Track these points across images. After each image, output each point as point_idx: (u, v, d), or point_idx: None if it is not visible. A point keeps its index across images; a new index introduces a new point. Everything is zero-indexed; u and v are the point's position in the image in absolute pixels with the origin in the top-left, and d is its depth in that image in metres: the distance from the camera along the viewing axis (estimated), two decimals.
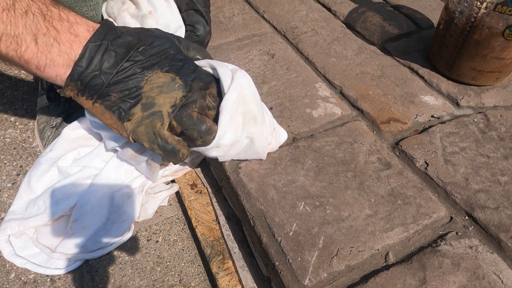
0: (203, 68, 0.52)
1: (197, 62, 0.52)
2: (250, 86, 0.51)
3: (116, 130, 0.47)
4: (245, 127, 0.51)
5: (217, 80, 0.52)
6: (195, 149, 0.52)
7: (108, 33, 0.44)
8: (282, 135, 0.58)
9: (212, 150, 0.51)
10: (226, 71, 0.51)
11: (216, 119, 0.50)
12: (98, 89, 0.44)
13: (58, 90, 0.46)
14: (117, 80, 0.44)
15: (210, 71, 0.52)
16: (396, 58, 0.76)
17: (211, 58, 0.55)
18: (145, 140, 0.46)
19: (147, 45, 0.46)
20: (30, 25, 0.40)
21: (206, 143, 0.49)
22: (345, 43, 0.79)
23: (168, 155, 0.47)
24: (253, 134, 0.52)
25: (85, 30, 0.44)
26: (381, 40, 0.80)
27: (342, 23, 0.86)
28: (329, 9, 0.90)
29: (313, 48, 0.78)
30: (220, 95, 0.51)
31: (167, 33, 0.51)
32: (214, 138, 0.49)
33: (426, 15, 0.87)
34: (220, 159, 0.54)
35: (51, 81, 0.45)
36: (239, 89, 0.50)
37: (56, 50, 0.42)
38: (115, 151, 0.61)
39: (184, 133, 0.48)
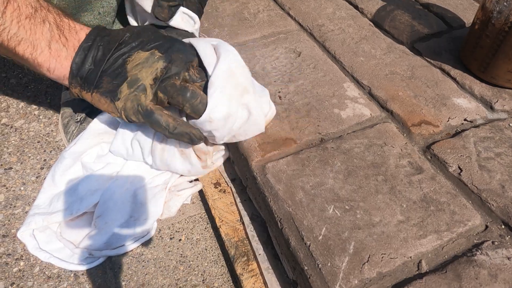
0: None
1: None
2: (236, 59, 0.52)
3: (112, 113, 0.50)
4: (238, 98, 0.51)
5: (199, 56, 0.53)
6: (192, 123, 0.52)
7: (98, 34, 0.49)
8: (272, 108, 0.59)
9: (205, 124, 0.50)
10: (206, 46, 0.52)
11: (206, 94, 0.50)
12: (93, 81, 0.49)
13: (68, 93, 0.52)
14: (106, 68, 0.49)
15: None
16: (427, 58, 0.74)
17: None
18: (132, 114, 0.49)
19: (131, 34, 0.50)
20: (46, 33, 0.47)
21: (195, 111, 0.49)
22: (373, 42, 0.77)
23: (153, 124, 0.50)
24: (250, 103, 0.52)
25: (84, 35, 0.50)
26: (410, 39, 0.78)
27: (370, 22, 0.84)
28: (356, 7, 0.88)
29: (340, 47, 0.76)
30: (203, 69, 0.52)
31: (154, 27, 0.55)
32: (201, 103, 0.49)
33: (457, 14, 0.84)
34: (218, 139, 0.53)
35: (59, 82, 0.51)
36: (227, 63, 0.50)
37: (64, 54, 0.48)
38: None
39: (171, 103, 0.50)
